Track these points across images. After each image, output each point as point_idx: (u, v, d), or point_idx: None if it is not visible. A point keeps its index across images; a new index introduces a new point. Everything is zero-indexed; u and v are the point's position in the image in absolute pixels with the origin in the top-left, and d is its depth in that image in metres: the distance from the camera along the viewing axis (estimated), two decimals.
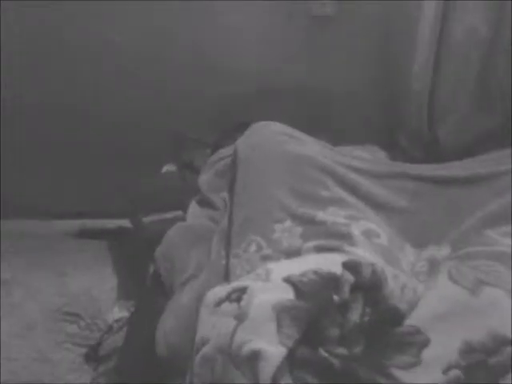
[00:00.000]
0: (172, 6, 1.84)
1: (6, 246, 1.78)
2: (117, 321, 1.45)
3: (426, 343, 0.97)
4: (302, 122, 1.54)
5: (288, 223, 1.23)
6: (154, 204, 1.71)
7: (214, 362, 0.96)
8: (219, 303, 1.04)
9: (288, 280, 1.03)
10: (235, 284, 1.08)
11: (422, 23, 1.70)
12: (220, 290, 1.08)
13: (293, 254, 1.16)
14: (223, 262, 1.23)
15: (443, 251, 1.26)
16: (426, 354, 0.95)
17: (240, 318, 0.99)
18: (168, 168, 1.87)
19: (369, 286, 1.06)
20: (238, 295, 1.03)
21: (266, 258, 1.15)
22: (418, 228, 1.32)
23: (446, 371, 0.94)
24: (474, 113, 1.78)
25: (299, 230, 1.21)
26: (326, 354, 0.94)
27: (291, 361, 0.93)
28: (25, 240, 1.87)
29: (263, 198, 1.28)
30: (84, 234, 1.92)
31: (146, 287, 1.44)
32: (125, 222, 1.81)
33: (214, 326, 1.01)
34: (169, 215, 1.69)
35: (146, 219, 1.65)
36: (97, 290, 1.57)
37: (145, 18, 1.87)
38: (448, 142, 1.80)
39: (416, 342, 0.97)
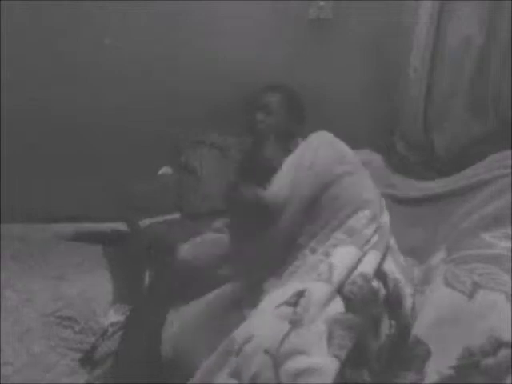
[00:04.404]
0: (172, 8, 1.85)
1: (3, 249, 1.77)
2: (112, 325, 1.44)
3: (427, 355, 0.98)
4: None
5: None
6: (149, 206, 1.71)
7: (255, 359, 0.97)
8: (279, 305, 1.06)
9: (340, 292, 1.06)
10: (295, 287, 1.10)
11: (417, 30, 1.72)
12: (281, 292, 1.10)
13: None
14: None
15: (439, 255, 1.26)
16: (429, 366, 0.96)
17: (294, 323, 1.01)
18: (164, 171, 1.87)
19: (392, 301, 1.08)
20: (296, 299, 1.05)
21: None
22: (420, 243, 1.34)
23: (440, 372, 0.95)
24: (468, 118, 1.79)
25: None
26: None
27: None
28: (20, 243, 1.85)
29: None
30: (80, 238, 1.91)
31: (142, 291, 1.43)
32: (121, 226, 1.80)
33: (262, 326, 1.03)
34: (165, 218, 1.69)
35: (143, 223, 1.65)
36: (92, 293, 1.55)
37: (143, 20, 1.88)
38: (443, 146, 1.81)
39: (419, 355, 0.98)
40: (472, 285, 1.06)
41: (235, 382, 0.99)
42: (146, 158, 1.91)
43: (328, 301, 1.03)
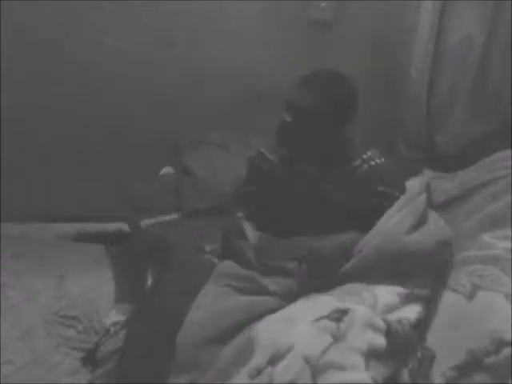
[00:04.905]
0: (171, 8, 1.85)
1: (4, 248, 1.76)
2: (114, 324, 1.44)
3: (432, 359, 0.99)
4: None
5: None
6: (150, 206, 1.71)
7: (295, 367, 0.98)
8: (318, 319, 1.07)
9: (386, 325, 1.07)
10: (334, 304, 1.11)
11: (418, 31, 1.73)
12: (322, 308, 1.11)
13: None
14: None
15: None
16: (434, 369, 0.97)
17: (337, 337, 1.02)
18: (165, 171, 1.87)
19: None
20: (339, 316, 1.06)
21: None
22: None
23: (443, 373, 0.96)
24: (469, 118, 1.80)
25: None
26: None
27: None
28: (23, 243, 1.85)
29: None
30: (82, 238, 1.91)
31: (145, 290, 1.44)
32: (123, 226, 1.80)
33: (302, 336, 1.04)
34: (166, 218, 1.70)
35: (144, 223, 1.65)
36: (94, 293, 1.55)
37: (143, 20, 1.89)
38: (445, 145, 1.82)
39: (424, 359, 0.99)
40: (471, 287, 1.07)
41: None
42: (146, 158, 1.91)
43: (370, 326, 1.04)
